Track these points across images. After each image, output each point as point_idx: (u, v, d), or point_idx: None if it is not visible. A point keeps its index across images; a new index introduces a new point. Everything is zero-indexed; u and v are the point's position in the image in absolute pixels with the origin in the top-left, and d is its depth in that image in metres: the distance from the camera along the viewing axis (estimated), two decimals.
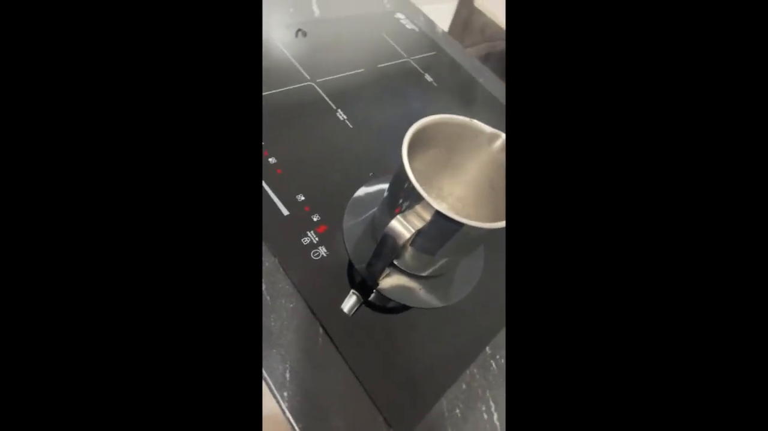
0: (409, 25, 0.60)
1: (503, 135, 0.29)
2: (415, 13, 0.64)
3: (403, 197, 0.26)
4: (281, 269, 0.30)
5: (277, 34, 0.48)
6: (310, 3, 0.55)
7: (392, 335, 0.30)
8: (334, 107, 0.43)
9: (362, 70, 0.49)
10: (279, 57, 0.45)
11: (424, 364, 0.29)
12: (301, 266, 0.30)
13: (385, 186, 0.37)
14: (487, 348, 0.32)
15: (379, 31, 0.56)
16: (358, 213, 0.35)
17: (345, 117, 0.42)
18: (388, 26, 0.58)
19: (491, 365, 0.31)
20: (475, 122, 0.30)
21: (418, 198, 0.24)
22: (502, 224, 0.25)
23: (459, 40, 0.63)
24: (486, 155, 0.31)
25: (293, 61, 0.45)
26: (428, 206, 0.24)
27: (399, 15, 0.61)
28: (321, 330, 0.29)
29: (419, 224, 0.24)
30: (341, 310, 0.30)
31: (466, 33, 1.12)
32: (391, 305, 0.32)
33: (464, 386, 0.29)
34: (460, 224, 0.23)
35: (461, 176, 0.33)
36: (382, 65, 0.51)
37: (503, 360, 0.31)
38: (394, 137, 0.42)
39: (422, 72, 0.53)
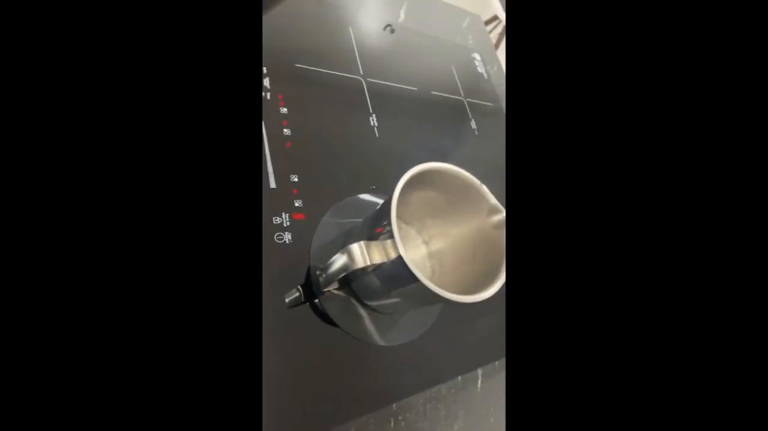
0: (480, 69, 0.60)
1: (503, 213, 0.28)
2: (492, 60, 0.64)
3: (381, 225, 0.26)
4: None
5: (354, 23, 0.48)
6: (399, 6, 0.55)
7: (318, 344, 0.29)
8: (371, 110, 0.42)
9: (415, 89, 0.48)
10: (343, 43, 0.45)
11: (328, 391, 0.28)
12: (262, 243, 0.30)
13: (377, 204, 0.37)
14: (394, 405, 0.30)
15: (450, 60, 0.56)
16: (339, 217, 0.34)
17: (376, 124, 0.42)
18: (461, 61, 0.58)
19: (390, 423, 0.30)
20: (484, 187, 0.29)
21: (390, 234, 0.23)
22: (463, 298, 0.24)
23: None
24: (480, 224, 0.30)
25: (356, 50, 0.45)
26: (395, 247, 0.23)
27: (475, 55, 0.61)
28: None
29: (379, 259, 0.23)
30: (281, 299, 0.29)
31: None
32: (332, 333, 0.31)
33: (352, 430, 0.28)
34: (416, 280, 0.22)
35: (451, 230, 0.32)
36: (436, 93, 0.50)
37: (404, 424, 0.30)
38: (412, 163, 0.42)
39: (470, 116, 0.52)
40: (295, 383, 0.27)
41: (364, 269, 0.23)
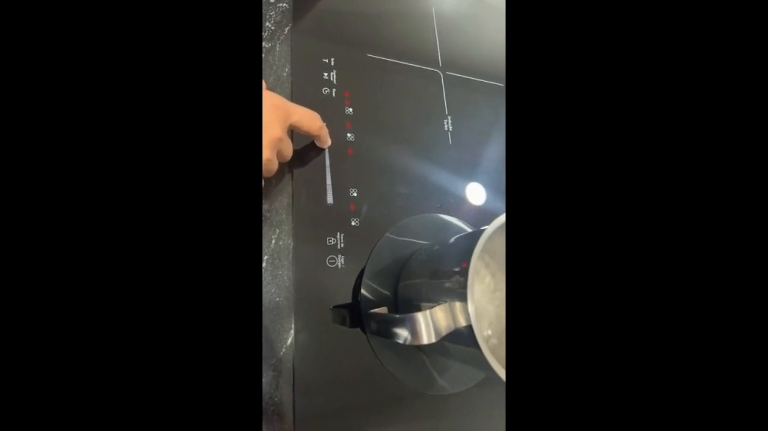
0: None
1: None
2: None
3: (451, 278, 0.21)
4: (290, 257, 0.27)
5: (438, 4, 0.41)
6: None
7: (362, 377, 0.27)
8: (446, 112, 0.36)
9: (501, 85, 0.41)
10: (423, 27, 0.39)
11: (360, 421, 0.26)
12: (310, 266, 0.27)
13: (446, 232, 0.32)
14: None
15: None
16: (399, 238, 0.30)
17: (450, 129, 0.36)
18: None
19: None
20: None
21: (461, 296, 0.19)
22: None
23: None
24: None
25: (436, 36, 0.39)
26: (465, 314, 0.19)
27: None
28: (292, 332, 0.26)
29: (445, 330, 0.19)
30: (321, 320, 0.26)
31: None
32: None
33: None
34: (481, 354, 0.18)
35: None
36: None
37: None
38: (491, 181, 0.36)
39: None
40: (328, 416, 0.25)
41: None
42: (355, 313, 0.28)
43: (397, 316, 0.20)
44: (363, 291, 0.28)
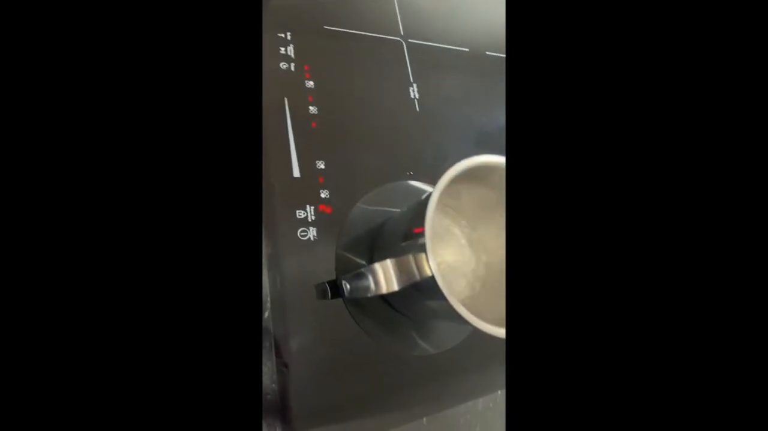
0: None
1: None
2: None
3: (413, 233, 0.21)
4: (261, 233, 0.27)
5: None
6: None
7: (345, 348, 0.27)
8: (411, 80, 0.36)
9: (466, 49, 0.41)
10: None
11: (353, 401, 0.26)
12: (281, 239, 0.27)
13: (415, 193, 0.32)
14: (425, 419, 0.28)
15: None
16: (371, 208, 0.30)
17: (417, 96, 0.36)
18: None
19: None
20: None
21: (422, 247, 0.19)
22: (498, 330, 0.19)
23: None
24: None
25: (396, 5, 0.38)
26: (429, 264, 0.19)
27: None
28: (268, 306, 0.26)
29: (405, 280, 0.19)
30: (305, 296, 0.26)
31: None
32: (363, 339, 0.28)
33: None
34: (445, 302, 0.18)
35: (501, 233, 0.27)
36: (491, 54, 0.42)
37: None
38: (459, 146, 0.36)
39: None
40: (319, 391, 0.25)
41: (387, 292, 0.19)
42: (333, 286, 0.28)
43: (359, 270, 0.20)
44: (338, 263, 0.28)
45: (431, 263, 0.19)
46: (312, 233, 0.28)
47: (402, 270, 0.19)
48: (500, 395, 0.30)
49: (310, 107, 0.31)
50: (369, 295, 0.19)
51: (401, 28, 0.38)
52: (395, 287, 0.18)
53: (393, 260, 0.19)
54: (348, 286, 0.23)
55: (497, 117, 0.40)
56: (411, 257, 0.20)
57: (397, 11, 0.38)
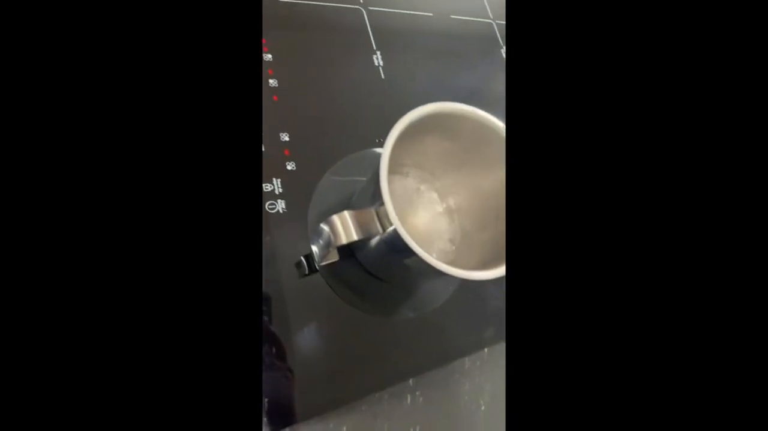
0: None
1: None
2: None
3: (375, 189, 0.21)
4: None
5: None
6: None
7: (328, 318, 0.27)
8: (375, 47, 0.36)
9: (430, 14, 0.40)
10: None
11: (339, 367, 0.26)
12: None
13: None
14: (411, 381, 0.28)
15: None
16: (341, 178, 0.30)
17: (381, 63, 0.35)
18: None
19: (406, 399, 0.27)
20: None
21: (380, 198, 0.19)
22: (471, 274, 0.19)
23: None
24: (504, 180, 0.24)
25: None
26: (390, 216, 0.18)
27: None
28: None
29: (365, 231, 0.19)
30: (286, 271, 0.26)
31: None
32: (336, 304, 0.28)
33: (364, 407, 0.26)
34: (413, 254, 0.18)
35: (471, 188, 0.27)
36: (456, 17, 0.42)
37: (422, 400, 0.28)
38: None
39: (501, 43, 0.43)
40: (304, 360, 0.25)
41: (348, 245, 0.19)
42: (309, 259, 0.27)
43: (319, 226, 0.20)
44: (313, 246, 0.27)
45: (391, 215, 0.18)
46: (280, 205, 0.28)
47: (361, 221, 0.19)
48: (486, 353, 0.30)
49: (270, 80, 0.30)
50: (332, 249, 0.19)
51: None
52: (354, 237, 0.18)
53: (351, 211, 0.19)
54: (315, 248, 0.23)
55: (465, 80, 0.39)
56: (372, 211, 0.20)
57: None
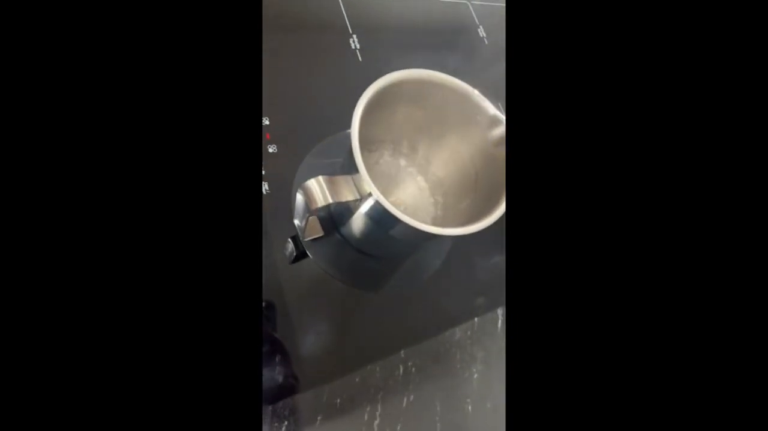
0: None
1: (504, 125, 0.23)
2: None
3: (350, 161, 0.22)
4: None
5: None
6: None
7: (316, 295, 0.27)
8: (350, 31, 0.36)
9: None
10: None
11: (330, 342, 0.26)
12: None
13: None
14: (402, 352, 0.28)
15: None
16: (323, 159, 0.30)
17: (358, 47, 0.36)
18: None
19: (398, 370, 0.28)
20: (478, 94, 0.23)
21: (354, 163, 0.19)
22: (451, 231, 0.20)
23: None
24: (479, 140, 0.24)
25: None
26: (366, 181, 0.19)
27: None
28: None
29: (349, 197, 0.19)
30: (276, 252, 0.27)
31: None
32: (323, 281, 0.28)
33: (357, 379, 0.27)
34: (395, 222, 0.19)
35: (447, 154, 0.27)
36: None
37: (414, 370, 0.28)
38: None
39: (477, 23, 0.44)
40: (296, 336, 0.26)
41: (320, 210, 0.19)
42: (296, 241, 0.28)
43: (297, 194, 0.20)
44: (295, 220, 0.28)
45: (365, 178, 0.19)
46: (265, 187, 0.28)
47: (335, 185, 0.19)
48: (476, 322, 0.31)
49: None
50: (314, 222, 0.20)
51: None
52: (330, 200, 0.19)
53: (325, 176, 0.19)
54: (298, 223, 0.23)
55: (443, 61, 0.40)
56: (349, 177, 0.20)
57: None
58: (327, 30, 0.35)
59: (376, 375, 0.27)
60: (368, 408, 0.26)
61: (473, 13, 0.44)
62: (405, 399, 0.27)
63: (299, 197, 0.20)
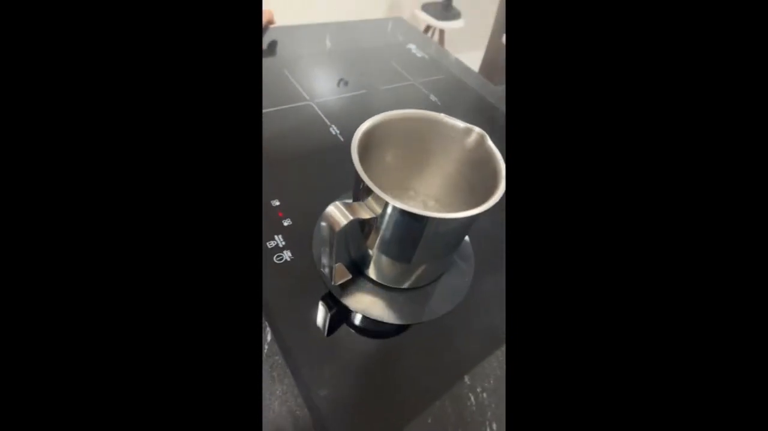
0: (420, 54, 0.62)
1: (477, 129, 0.27)
2: (427, 44, 0.66)
3: (359, 196, 0.24)
4: None
5: (284, 61, 0.51)
6: (323, 37, 0.59)
7: (353, 353, 0.26)
8: (328, 123, 0.43)
9: (364, 91, 0.49)
10: (282, 80, 0.48)
11: (386, 390, 0.25)
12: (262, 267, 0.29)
13: None
14: (466, 378, 0.26)
15: (388, 59, 0.58)
16: None
17: (338, 132, 0.42)
18: (399, 55, 0.60)
19: (469, 399, 0.25)
20: (445, 116, 0.27)
21: (367, 191, 0.22)
22: (465, 213, 0.21)
23: (490, 79, 0.62)
24: (461, 152, 0.28)
25: (295, 84, 0.48)
26: (379, 197, 0.21)
27: (410, 46, 0.63)
28: (269, 338, 0.26)
29: (364, 215, 0.22)
30: (292, 319, 0.27)
31: (496, 71, 1.12)
32: (361, 323, 0.28)
33: (430, 421, 0.24)
34: (414, 216, 0.21)
35: (437, 176, 0.30)
36: (386, 87, 0.51)
37: (485, 395, 0.26)
38: None
39: (427, 93, 0.53)
40: (352, 401, 0.24)
41: (347, 229, 0.21)
42: (329, 297, 0.28)
43: (319, 226, 0.22)
44: (321, 269, 0.29)
45: (377, 191, 0.21)
46: (287, 255, 0.30)
47: (351, 208, 0.21)
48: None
49: None
50: (337, 235, 0.21)
51: (305, 95, 0.46)
52: (350, 217, 0.21)
53: (341, 201, 0.22)
54: (325, 271, 0.25)
55: None
56: (363, 203, 0.23)
57: (297, 86, 0.47)
58: (311, 128, 0.42)
59: (447, 411, 0.25)
60: None
61: (422, 87, 0.53)
62: (488, 429, 0.24)
63: (323, 224, 0.22)
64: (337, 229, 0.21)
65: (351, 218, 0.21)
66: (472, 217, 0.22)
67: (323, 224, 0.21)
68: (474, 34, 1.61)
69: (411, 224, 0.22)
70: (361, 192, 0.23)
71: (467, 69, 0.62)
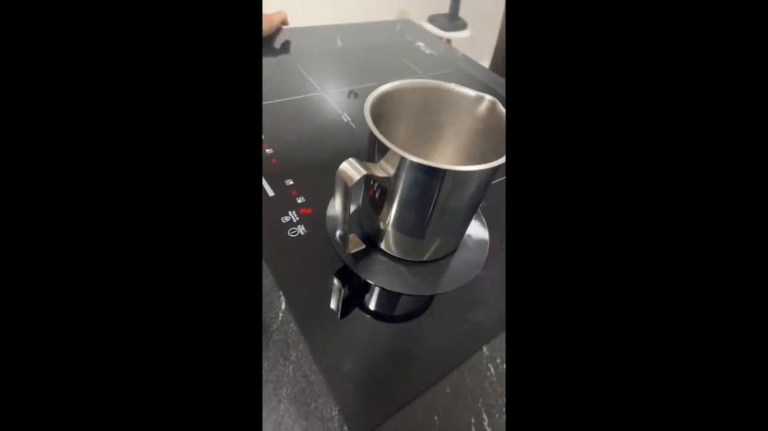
0: (429, 51, 0.63)
1: (488, 96, 0.27)
2: (435, 41, 0.67)
3: (374, 158, 0.25)
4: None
5: (297, 58, 0.53)
6: (335, 37, 0.61)
7: (369, 323, 0.26)
8: (339, 111, 0.44)
9: (375, 83, 0.50)
10: (295, 74, 0.49)
11: (402, 358, 0.24)
12: (274, 242, 0.29)
13: None
14: (485, 349, 0.25)
15: (398, 56, 0.59)
16: None
17: (349, 119, 0.43)
18: (409, 53, 0.61)
19: (489, 369, 0.25)
20: (456, 85, 0.28)
21: (382, 149, 0.22)
22: (483, 166, 0.21)
23: (500, 74, 0.62)
24: (472, 121, 0.28)
25: (308, 77, 0.49)
26: (393, 154, 0.21)
27: (419, 44, 0.65)
28: (283, 306, 0.26)
29: (378, 173, 0.22)
30: (306, 288, 0.27)
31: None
32: (376, 294, 0.28)
33: (448, 389, 0.23)
34: (431, 170, 0.20)
35: (449, 148, 0.30)
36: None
37: (505, 366, 0.25)
38: None
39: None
40: (356, 367, 0.24)
41: (359, 185, 0.21)
42: (342, 271, 0.28)
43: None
44: (336, 241, 0.29)
45: (392, 146, 0.21)
46: (301, 229, 0.30)
47: (365, 165, 0.21)
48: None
49: (267, 150, 0.37)
50: (351, 191, 0.21)
51: (317, 86, 0.47)
52: (363, 172, 0.21)
53: (353, 159, 0.22)
54: (336, 222, 0.25)
55: None
56: (378, 164, 0.23)
57: (309, 78, 0.48)
58: (323, 115, 0.43)
59: (466, 380, 0.24)
60: (473, 420, 0.22)
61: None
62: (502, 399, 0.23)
63: (335, 191, 0.22)
64: (351, 184, 0.21)
65: (364, 172, 0.21)
66: (490, 171, 0.22)
67: (339, 177, 0.21)
68: (481, 44, 1.64)
69: (428, 181, 0.22)
70: (376, 153, 0.23)
71: (476, 64, 0.62)
